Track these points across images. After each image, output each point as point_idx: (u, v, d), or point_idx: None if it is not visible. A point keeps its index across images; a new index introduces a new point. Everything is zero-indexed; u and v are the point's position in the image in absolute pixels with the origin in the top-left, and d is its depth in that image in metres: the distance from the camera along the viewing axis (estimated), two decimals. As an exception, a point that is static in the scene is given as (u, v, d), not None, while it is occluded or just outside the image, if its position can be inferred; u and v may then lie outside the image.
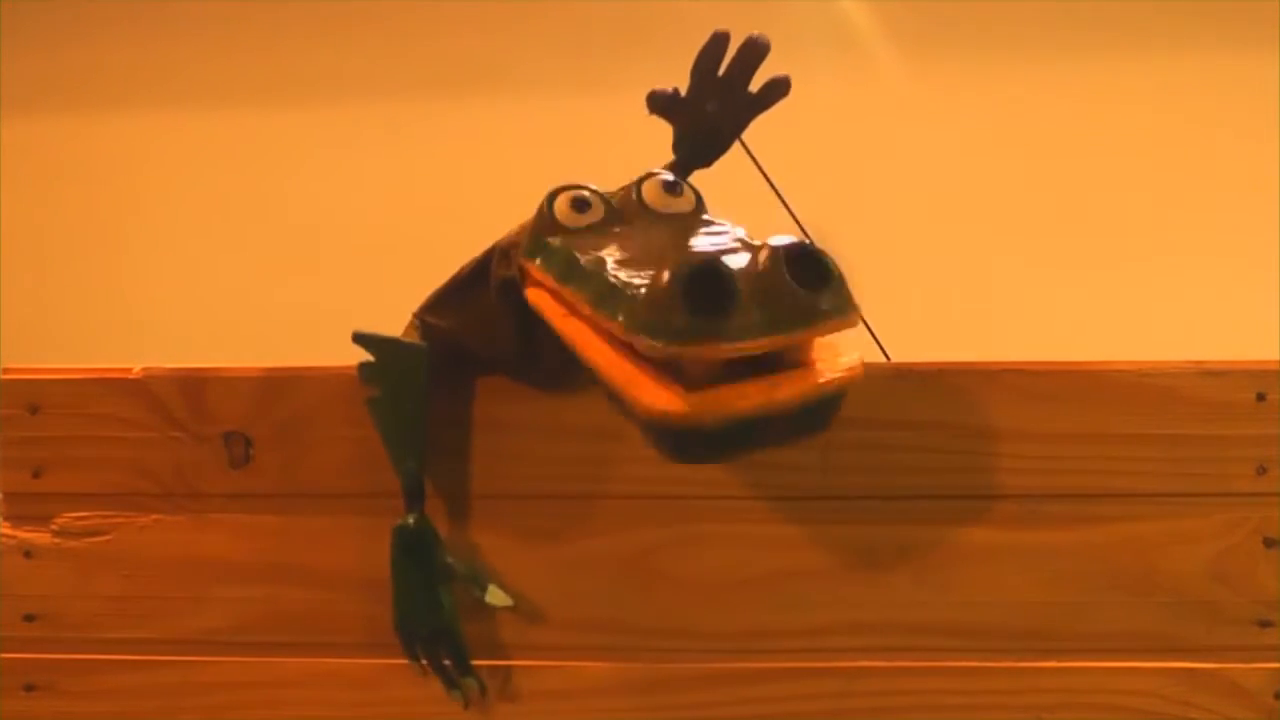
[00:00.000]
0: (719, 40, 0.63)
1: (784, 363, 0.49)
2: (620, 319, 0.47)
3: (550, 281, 0.54)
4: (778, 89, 0.64)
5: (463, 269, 0.62)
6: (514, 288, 0.57)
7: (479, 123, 1.61)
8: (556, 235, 0.55)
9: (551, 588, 0.65)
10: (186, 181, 1.67)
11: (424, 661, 0.63)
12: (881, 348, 0.72)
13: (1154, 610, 0.63)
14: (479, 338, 0.62)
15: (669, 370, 0.47)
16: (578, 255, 0.52)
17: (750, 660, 0.64)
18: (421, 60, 1.63)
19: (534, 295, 0.56)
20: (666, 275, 0.46)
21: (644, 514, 0.64)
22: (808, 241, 0.47)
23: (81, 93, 1.68)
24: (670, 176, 0.57)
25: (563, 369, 0.58)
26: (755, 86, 0.64)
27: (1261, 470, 0.63)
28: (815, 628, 0.64)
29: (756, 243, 0.50)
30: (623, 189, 0.57)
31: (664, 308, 0.45)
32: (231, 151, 1.66)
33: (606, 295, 0.49)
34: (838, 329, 0.48)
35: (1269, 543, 0.63)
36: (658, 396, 0.47)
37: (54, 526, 0.67)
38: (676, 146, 0.64)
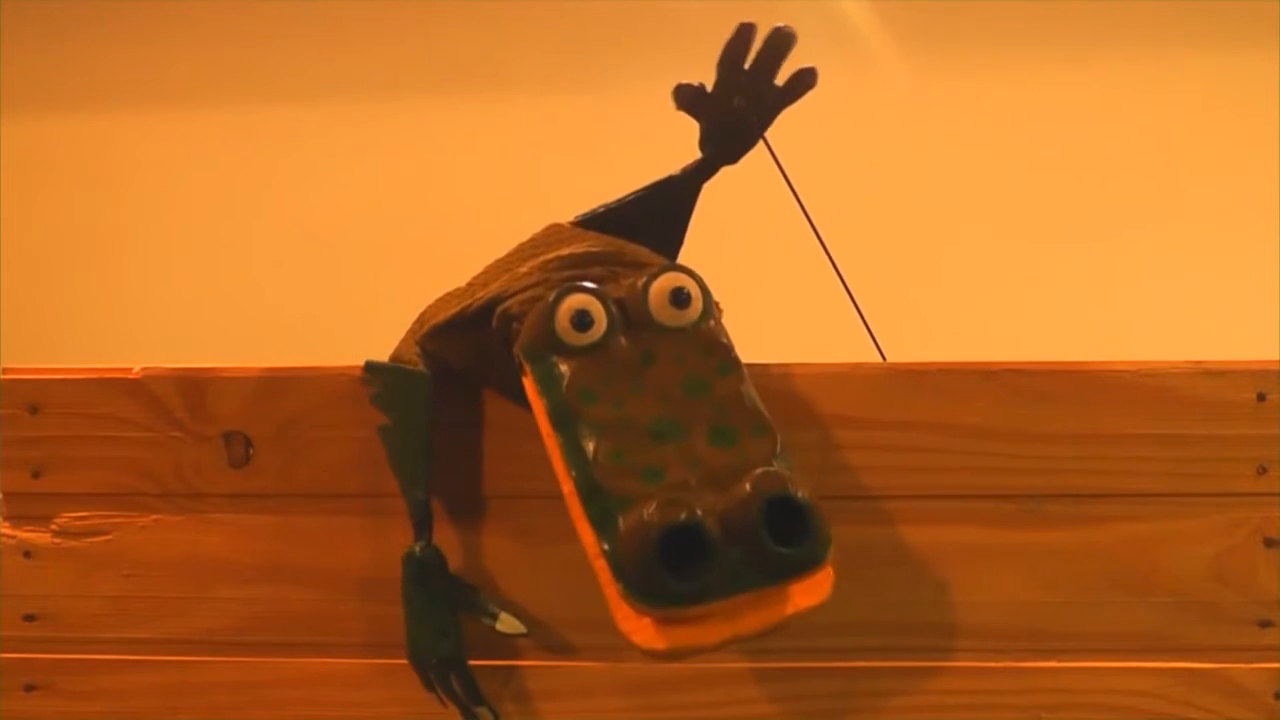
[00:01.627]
0: (745, 32, 0.62)
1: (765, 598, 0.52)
2: (606, 558, 0.51)
3: (541, 414, 0.55)
4: (804, 81, 0.63)
5: (466, 307, 0.61)
6: (512, 342, 0.58)
7: (479, 122, 1.61)
8: (555, 352, 0.55)
9: (551, 588, 0.65)
10: (186, 181, 1.67)
11: (440, 692, 0.63)
12: (879, 348, 0.72)
13: (1154, 610, 0.63)
14: (479, 373, 0.63)
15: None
16: (571, 407, 0.54)
17: (750, 660, 0.64)
18: (421, 60, 1.63)
19: (532, 392, 0.56)
20: (650, 535, 0.49)
21: (644, 514, 0.64)
22: (787, 490, 0.50)
23: (81, 93, 1.68)
24: (681, 282, 0.56)
25: None
26: (781, 79, 0.64)
27: (1261, 470, 0.63)
28: (815, 628, 0.64)
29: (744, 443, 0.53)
30: (631, 281, 0.57)
31: (649, 575, 0.49)
32: (231, 151, 1.66)
33: (595, 504, 0.52)
34: (811, 578, 0.52)
35: (1269, 543, 0.63)
36: (635, 628, 0.52)
37: (54, 526, 0.67)
38: (703, 144, 0.64)
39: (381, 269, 1.52)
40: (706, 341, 0.56)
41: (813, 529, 0.50)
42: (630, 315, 0.56)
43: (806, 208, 0.69)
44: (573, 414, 0.54)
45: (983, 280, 1.54)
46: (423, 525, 0.62)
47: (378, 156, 1.62)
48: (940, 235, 1.55)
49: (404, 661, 0.64)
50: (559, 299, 0.56)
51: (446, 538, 0.64)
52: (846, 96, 1.54)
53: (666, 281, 0.56)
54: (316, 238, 1.61)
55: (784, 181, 0.67)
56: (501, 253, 0.64)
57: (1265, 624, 0.63)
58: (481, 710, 0.64)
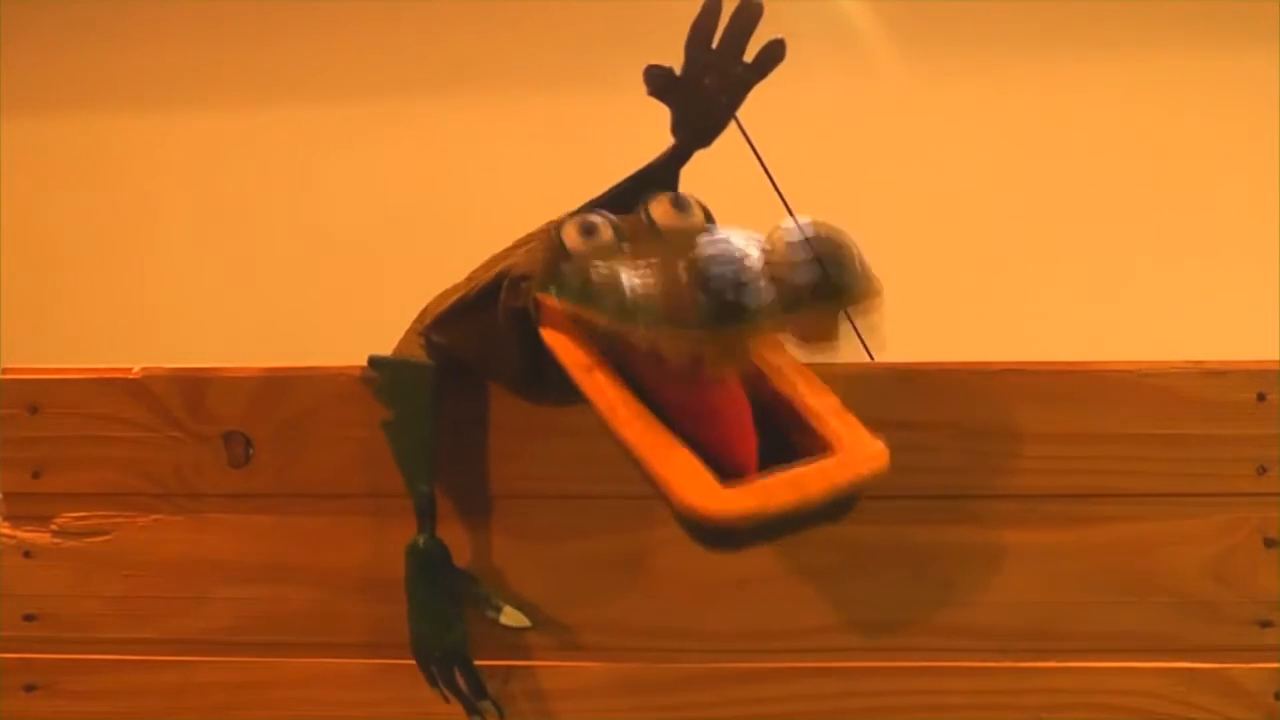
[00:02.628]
0: (711, 9, 0.62)
1: (813, 450, 0.50)
2: (640, 323, 0.48)
3: (567, 307, 0.54)
4: (773, 54, 0.62)
5: (470, 291, 0.61)
6: (525, 318, 0.57)
7: (479, 122, 1.61)
8: (568, 263, 0.55)
9: (551, 588, 0.65)
10: (186, 181, 1.67)
11: (443, 686, 0.63)
12: (867, 349, 0.71)
13: (1154, 610, 0.63)
14: (484, 360, 0.62)
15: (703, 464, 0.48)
16: (591, 275, 0.52)
17: (750, 660, 0.64)
18: (422, 60, 1.63)
19: (552, 338, 0.55)
20: (682, 267, 0.46)
21: (644, 514, 0.64)
22: (825, 225, 0.48)
23: (81, 93, 1.68)
24: (678, 194, 0.57)
25: (566, 392, 0.58)
26: (750, 56, 0.63)
27: (1262, 470, 0.63)
28: (815, 628, 0.64)
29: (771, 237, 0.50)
30: (630, 214, 0.57)
31: (682, 298, 0.46)
32: (231, 151, 1.66)
33: (625, 305, 0.49)
34: (859, 305, 0.49)
35: (1269, 543, 0.63)
36: (692, 493, 0.47)
37: (54, 526, 0.67)
38: (675, 129, 0.63)
39: (382, 269, 1.52)
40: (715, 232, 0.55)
41: (853, 257, 0.48)
42: (635, 234, 0.55)
43: (784, 195, 0.68)
44: (590, 280, 0.52)
45: (983, 280, 1.54)
46: (426, 518, 0.62)
47: (378, 156, 1.62)
48: (940, 235, 1.54)
49: (405, 661, 0.64)
50: (562, 223, 0.56)
51: (451, 537, 0.64)
52: (846, 97, 1.54)
53: (665, 196, 0.56)
54: (317, 238, 1.61)
55: (764, 168, 0.67)
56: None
57: (1265, 624, 0.63)
58: (485, 705, 0.64)
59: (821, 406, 0.53)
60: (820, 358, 0.52)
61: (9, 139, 1.66)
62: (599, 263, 0.52)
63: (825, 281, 0.47)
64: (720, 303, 0.45)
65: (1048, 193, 1.56)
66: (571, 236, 0.55)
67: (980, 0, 1.56)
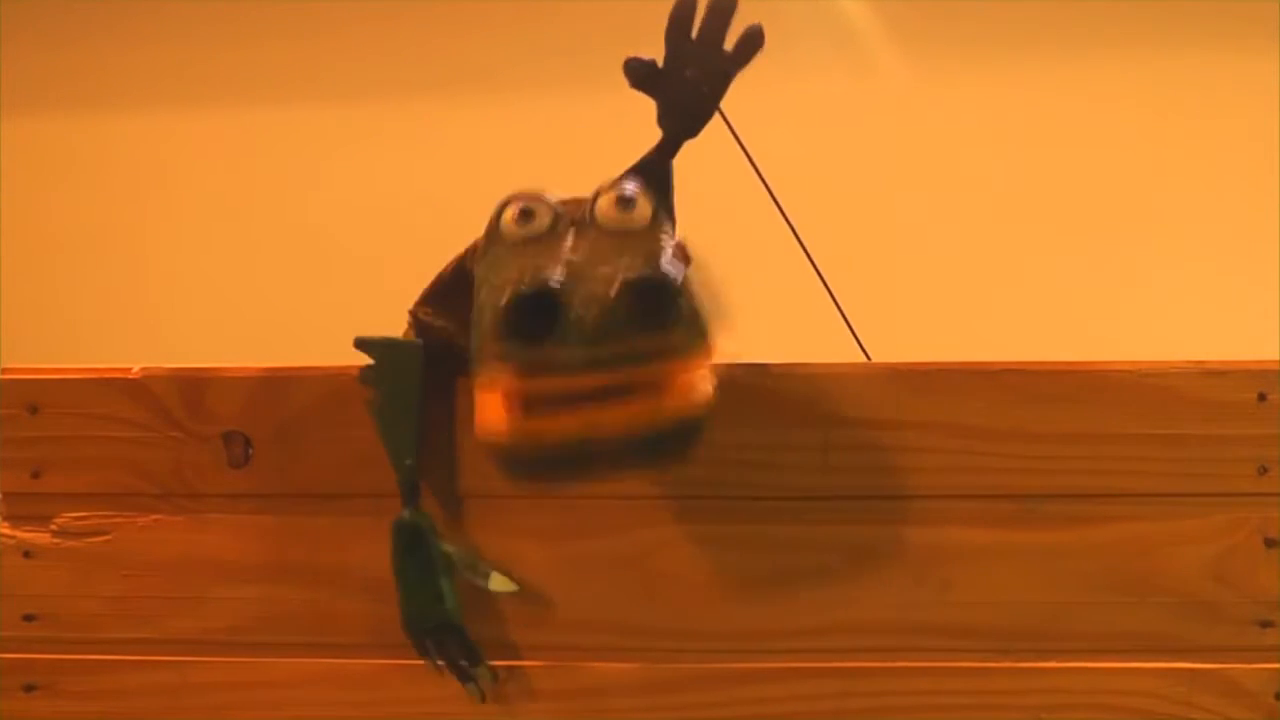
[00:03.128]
0: (687, 2, 0.62)
1: (628, 390, 0.49)
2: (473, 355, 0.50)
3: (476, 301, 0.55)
4: (752, 42, 0.62)
5: (449, 265, 0.62)
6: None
7: (479, 122, 1.61)
8: (499, 245, 0.56)
9: (551, 588, 0.65)
10: (186, 181, 1.67)
11: (436, 658, 0.63)
12: (862, 347, 0.72)
13: (1154, 610, 0.63)
14: (465, 333, 0.62)
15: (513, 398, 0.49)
16: (485, 276, 0.53)
17: (750, 660, 0.64)
18: (421, 60, 1.63)
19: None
20: (501, 301, 0.47)
21: (644, 514, 0.64)
22: (663, 275, 0.48)
23: (81, 93, 1.68)
24: (629, 191, 0.56)
25: None
26: (729, 45, 0.63)
27: (1262, 470, 0.63)
28: (815, 628, 0.64)
29: (657, 264, 0.51)
30: (584, 198, 0.57)
31: (491, 336, 0.48)
32: (231, 151, 1.66)
33: (475, 319, 0.51)
34: (669, 369, 0.49)
35: (1269, 543, 0.63)
36: (488, 418, 0.49)
37: (54, 526, 0.67)
38: (661, 120, 0.63)
39: (382, 269, 1.52)
40: (648, 245, 0.54)
41: (676, 310, 0.48)
42: (579, 218, 0.56)
43: (775, 193, 0.68)
44: (481, 281, 0.54)
45: (983, 280, 1.54)
46: (411, 492, 0.63)
47: (378, 156, 1.62)
48: (940, 235, 1.54)
49: (405, 661, 0.64)
50: (506, 203, 0.56)
51: (450, 537, 0.64)
52: (846, 97, 1.54)
53: (614, 192, 0.56)
54: (317, 238, 1.61)
55: (749, 158, 0.67)
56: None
57: (1265, 624, 0.63)
58: (480, 671, 0.64)
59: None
60: None
61: (9, 139, 1.66)
62: (500, 263, 0.53)
63: (640, 345, 0.48)
64: (524, 352, 0.47)
65: (1048, 193, 1.56)
66: (508, 220, 0.56)
67: (981, 1, 1.56)
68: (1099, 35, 1.54)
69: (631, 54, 0.61)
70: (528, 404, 0.49)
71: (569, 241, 0.54)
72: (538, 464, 0.50)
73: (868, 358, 0.69)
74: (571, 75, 1.53)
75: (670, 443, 0.51)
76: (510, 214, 0.56)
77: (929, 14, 1.55)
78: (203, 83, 1.66)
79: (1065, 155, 1.55)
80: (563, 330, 0.47)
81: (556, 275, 0.49)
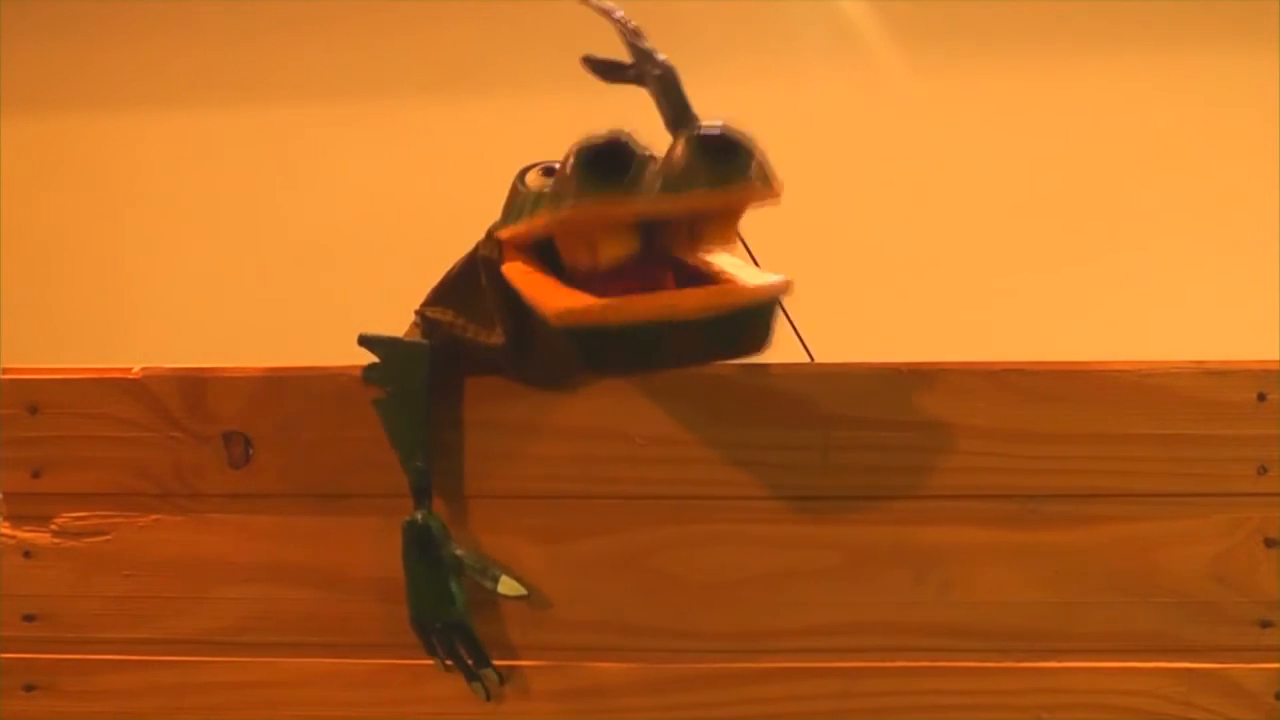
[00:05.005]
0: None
1: (699, 279, 0.50)
2: (540, 213, 0.50)
3: (513, 230, 0.55)
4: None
5: (458, 262, 0.62)
6: (497, 268, 0.58)
7: (478, 122, 1.61)
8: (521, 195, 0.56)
9: (551, 588, 0.65)
10: (186, 181, 1.67)
11: (444, 657, 0.64)
12: (806, 348, 0.71)
13: (1154, 610, 0.63)
14: (474, 331, 0.62)
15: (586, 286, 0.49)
16: (529, 195, 0.54)
17: (750, 660, 0.64)
18: (421, 60, 1.63)
19: (508, 268, 0.57)
20: (579, 147, 0.48)
21: (644, 514, 0.64)
22: (735, 132, 0.48)
23: (81, 92, 1.68)
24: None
25: (556, 365, 0.58)
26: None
27: (1262, 470, 0.63)
28: (815, 628, 0.64)
29: None
30: None
31: (564, 179, 0.48)
32: (231, 151, 1.66)
33: (538, 201, 0.52)
34: (742, 198, 0.49)
35: (1269, 543, 0.63)
36: (567, 299, 0.49)
37: (54, 526, 0.67)
38: (658, 102, 0.62)
39: (381, 269, 1.52)
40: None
41: (745, 152, 0.48)
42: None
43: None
44: (532, 195, 0.54)
45: (983, 280, 1.54)
46: (422, 494, 0.63)
47: (377, 156, 1.62)
48: (940, 235, 1.54)
49: (405, 661, 0.64)
50: (526, 170, 0.57)
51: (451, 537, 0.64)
52: (846, 96, 1.53)
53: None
54: (316, 238, 1.61)
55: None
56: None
57: (1265, 624, 0.63)
58: (486, 672, 0.64)
59: (735, 269, 0.53)
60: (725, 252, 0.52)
61: (9, 139, 1.66)
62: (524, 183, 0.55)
63: (714, 170, 0.47)
64: (597, 183, 0.47)
65: (1048, 192, 1.56)
66: (534, 178, 0.56)
67: (981, 1, 1.56)
68: (1099, 35, 1.54)
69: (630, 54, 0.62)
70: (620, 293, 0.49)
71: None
72: (623, 342, 0.49)
73: (811, 358, 0.69)
74: (572, 75, 1.53)
75: (745, 328, 0.50)
76: (535, 174, 0.57)
77: (929, 13, 1.55)
78: (203, 82, 1.66)
79: (1065, 154, 1.55)
80: (633, 166, 0.47)
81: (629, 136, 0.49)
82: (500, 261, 0.58)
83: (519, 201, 0.56)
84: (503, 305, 0.59)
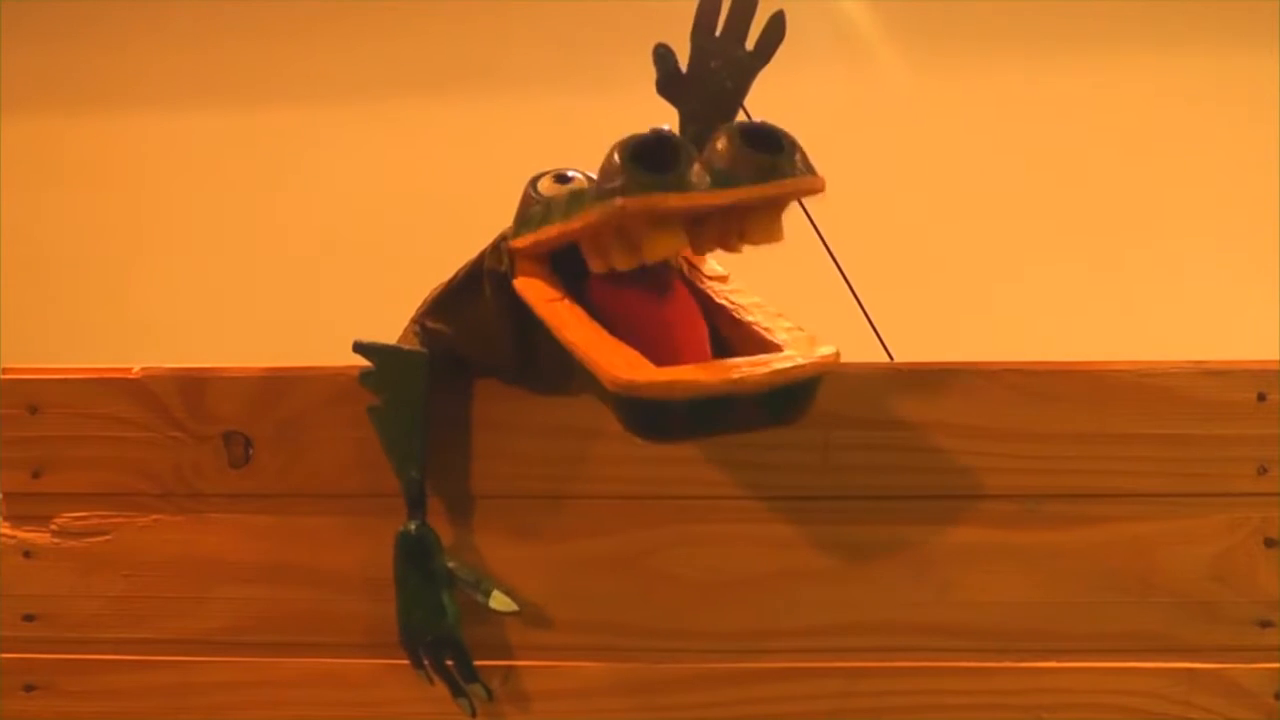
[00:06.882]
0: (711, 3, 0.62)
1: (750, 346, 0.51)
2: (580, 212, 0.50)
3: (534, 236, 0.55)
4: (775, 33, 0.62)
5: (459, 271, 0.62)
6: (505, 280, 0.58)
7: (479, 122, 1.61)
8: (535, 204, 0.56)
9: (551, 588, 0.65)
10: (186, 181, 1.67)
11: (429, 668, 0.63)
12: (885, 347, 0.72)
13: (1154, 610, 0.63)
14: (477, 342, 0.62)
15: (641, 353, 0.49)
16: (538, 192, 0.55)
17: (750, 660, 0.64)
18: (421, 60, 1.63)
19: (521, 284, 0.56)
20: (619, 148, 0.47)
21: (644, 514, 0.64)
22: (773, 125, 0.48)
23: (81, 93, 1.68)
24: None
25: (560, 374, 0.58)
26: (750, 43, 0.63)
27: (1262, 470, 0.63)
28: (815, 628, 0.64)
29: None
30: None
31: (611, 175, 0.47)
32: (231, 152, 1.66)
33: (572, 201, 0.51)
34: (793, 190, 0.49)
35: (1269, 543, 0.63)
36: (628, 368, 0.48)
37: (54, 526, 0.67)
38: (684, 128, 0.63)
39: (381, 269, 1.52)
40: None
41: (790, 145, 0.48)
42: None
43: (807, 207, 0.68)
44: (549, 200, 0.55)
45: (983, 280, 1.54)
46: (416, 504, 0.62)
47: (378, 156, 1.62)
48: (940, 235, 1.54)
49: (405, 662, 0.64)
50: (538, 176, 0.57)
51: (448, 537, 0.64)
52: (846, 95, 1.54)
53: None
54: (317, 238, 1.61)
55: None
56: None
57: (1265, 624, 0.63)
58: (474, 687, 0.64)
59: (777, 327, 0.54)
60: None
61: (9, 139, 1.66)
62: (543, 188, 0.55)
63: (761, 162, 0.48)
64: (645, 176, 0.47)
65: (1048, 192, 1.56)
66: (546, 184, 0.56)
67: (981, 0, 1.56)
68: (1100, 34, 1.54)
69: (631, 54, 0.62)
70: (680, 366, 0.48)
71: None
72: (681, 414, 0.48)
73: (891, 358, 0.69)
74: (572, 75, 1.53)
75: (798, 400, 0.50)
76: (547, 181, 0.57)
77: (929, 13, 1.56)
78: (203, 82, 1.66)
79: (1065, 154, 1.55)
80: (681, 159, 0.47)
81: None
82: (511, 273, 0.57)
83: (534, 209, 0.56)
84: (509, 319, 0.59)
